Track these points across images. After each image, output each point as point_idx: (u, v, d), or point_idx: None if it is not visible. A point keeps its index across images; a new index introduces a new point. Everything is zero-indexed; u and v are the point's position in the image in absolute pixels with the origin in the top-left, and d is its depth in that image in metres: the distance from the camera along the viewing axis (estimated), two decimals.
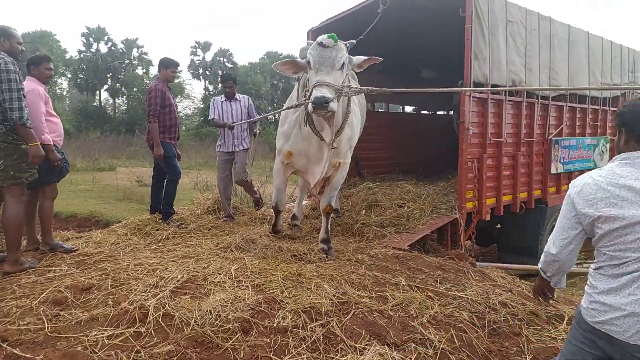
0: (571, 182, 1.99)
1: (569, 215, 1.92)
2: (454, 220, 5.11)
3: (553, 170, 6.26)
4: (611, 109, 7.51)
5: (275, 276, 3.32)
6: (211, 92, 40.72)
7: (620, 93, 7.76)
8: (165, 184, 5.09)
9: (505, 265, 5.31)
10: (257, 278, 3.32)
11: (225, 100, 5.42)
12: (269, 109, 37.68)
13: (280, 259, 3.75)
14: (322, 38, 3.48)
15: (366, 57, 3.70)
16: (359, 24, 5.88)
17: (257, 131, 5.53)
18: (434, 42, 6.66)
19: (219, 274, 3.34)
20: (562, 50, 6.16)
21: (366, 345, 2.66)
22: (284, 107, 4.16)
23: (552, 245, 1.99)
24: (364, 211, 5.21)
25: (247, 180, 5.37)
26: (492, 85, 5.18)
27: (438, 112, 9.79)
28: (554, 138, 6.26)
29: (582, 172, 5.82)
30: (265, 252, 3.94)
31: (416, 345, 2.75)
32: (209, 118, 5.47)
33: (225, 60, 42.24)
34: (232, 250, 3.97)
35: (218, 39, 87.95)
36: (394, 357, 2.59)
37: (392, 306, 3.18)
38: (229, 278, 3.29)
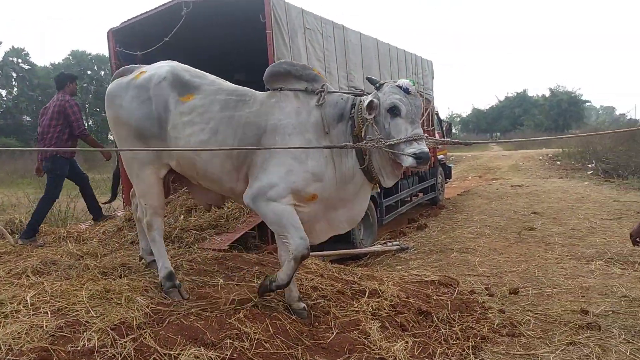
0: None
1: None
2: None
3: None
4: None
5: (79, 297, 3.09)
6: (4, 98, 35.19)
7: None
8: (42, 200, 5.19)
9: (321, 253, 5.76)
10: (59, 302, 3.04)
11: None
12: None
13: (86, 277, 3.50)
14: (407, 84, 3.08)
15: None
16: (164, 25, 5.76)
17: None
18: (243, 46, 6.84)
19: (11, 303, 2.98)
20: (356, 55, 6.90)
21: (181, 350, 2.66)
22: (335, 146, 3.12)
23: None
24: (182, 216, 5.14)
25: None
26: None
27: None
28: None
29: None
30: (68, 273, 3.62)
31: (232, 340, 2.85)
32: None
33: (20, 60, 36.85)
34: (28, 276, 3.56)
35: (9, 37, 76.14)
36: (209, 356, 2.65)
37: (211, 307, 3.23)
38: (23, 306, 2.95)
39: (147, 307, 3.03)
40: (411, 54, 9.22)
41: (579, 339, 3.72)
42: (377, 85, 3.14)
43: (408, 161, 2.99)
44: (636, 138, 15.50)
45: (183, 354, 2.60)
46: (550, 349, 3.58)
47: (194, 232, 4.75)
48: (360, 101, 3.14)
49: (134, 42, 6.27)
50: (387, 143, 3.00)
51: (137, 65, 3.64)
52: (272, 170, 3.11)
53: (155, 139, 3.33)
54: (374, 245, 6.92)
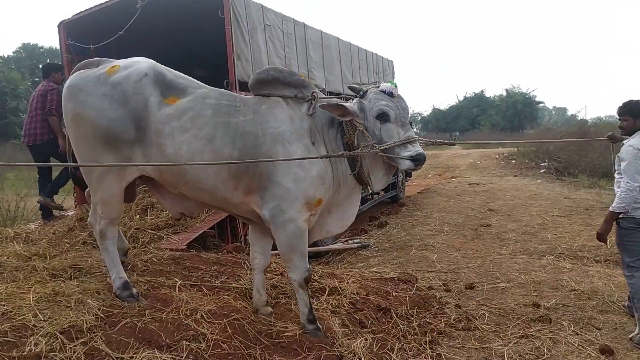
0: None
1: None
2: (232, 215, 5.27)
3: None
4: None
5: (26, 300, 2.94)
6: None
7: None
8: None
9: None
10: (4, 305, 2.88)
11: None
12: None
13: (34, 279, 3.33)
14: (390, 88, 3.07)
15: None
16: (119, 18, 5.58)
17: None
18: (202, 41, 6.72)
19: None
20: (317, 53, 6.90)
21: (134, 353, 2.58)
22: (338, 154, 3.07)
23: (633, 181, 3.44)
24: (137, 216, 4.99)
25: None
26: None
27: None
28: None
29: None
30: (15, 275, 3.44)
31: (189, 342, 2.79)
32: None
33: None
34: None
35: None
36: (164, 359, 2.58)
37: (167, 308, 3.15)
38: None
39: (99, 309, 2.91)
40: (372, 53, 9.32)
41: (531, 332, 3.86)
42: (361, 93, 3.16)
43: (406, 164, 3.06)
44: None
45: (136, 357, 2.52)
46: (504, 342, 3.69)
47: (150, 231, 4.62)
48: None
49: (87, 35, 6.04)
50: (382, 148, 3.03)
51: (104, 58, 3.26)
52: (281, 181, 3.03)
53: (128, 144, 2.96)
54: (335, 243, 6.94)
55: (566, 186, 12.55)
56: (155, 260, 3.98)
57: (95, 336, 2.66)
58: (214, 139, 2.98)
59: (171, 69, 3.19)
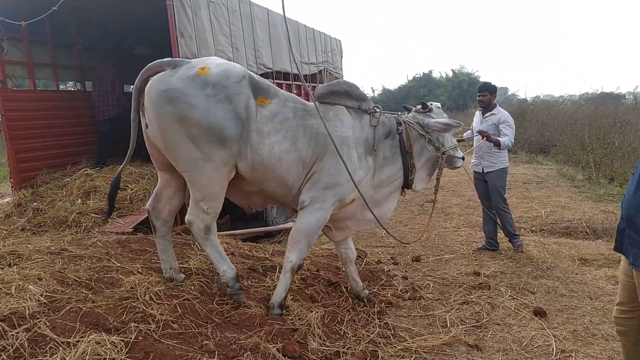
0: None
1: None
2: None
3: None
4: (311, 84, 8.72)
5: None
6: None
7: (317, 70, 9.07)
8: None
9: (232, 232, 5.72)
10: None
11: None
12: None
13: None
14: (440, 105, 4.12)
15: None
16: None
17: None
18: (143, 18, 6.46)
19: None
20: (264, 32, 6.80)
21: (81, 337, 2.53)
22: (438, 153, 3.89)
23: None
24: (80, 200, 4.82)
25: None
26: None
27: None
28: None
29: None
30: None
31: (137, 323, 2.76)
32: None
33: None
34: None
35: None
36: (112, 341, 2.55)
37: (115, 292, 3.10)
38: None
39: (41, 295, 2.82)
40: (320, 33, 9.28)
41: (472, 298, 4.09)
42: (428, 109, 3.96)
43: (460, 162, 4.11)
44: (525, 115, 16.97)
45: (83, 341, 2.47)
46: (447, 309, 3.90)
47: (93, 215, 4.48)
48: (404, 122, 3.79)
49: (17, 10, 5.67)
50: (445, 150, 3.89)
51: (177, 59, 3.28)
52: (336, 176, 3.39)
53: (234, 141, 3.09)
54: (287, 222, 6.99)
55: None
56: (100, 244, 3.88)
57: (39, 322, 2.58)
58: (297, 139, 3.31)
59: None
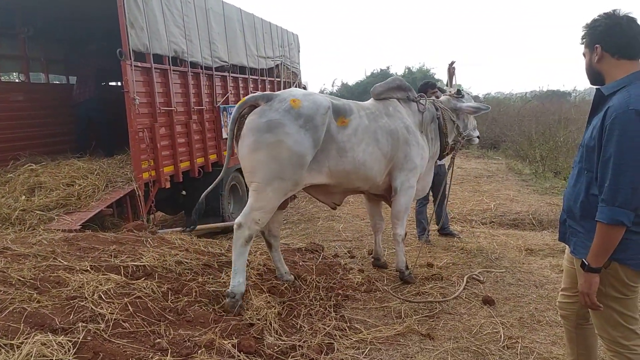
0: None
1: None
2: (132, 192, 5.04)
3: (224, 135, 6.85)
4: (268, 78, 8.64)
5: None
6: None
7: (274, 64, 9.00)
8: None
9: (208, 226, 5.64)
10: None
11: None
12: None
13: None
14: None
15: None
16: None
17: None
18: (93, 11, 6.21)
19: None
20: (219, 24, 6.68)
21: (25, 338, 2.42)
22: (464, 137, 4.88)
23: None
24: (24, 196, 4.59)
25: None
26: (154, 55, 5.24)
27: (111, 83, 9.18)
28: (221, 105, 6.83)
29: None
30: None
31: (86, 323, 2.67)
32: None
33: None
34: None
35: None
36: (59, 342, 2.45)
37: (62, 291, 2.98)
38: None
39: None
40: (277, 27, 9.20)
41: (425, 289, 4.19)
42: (461, 95, 4.72)
43: (477, 141, 5.12)
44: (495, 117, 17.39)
45: (28, 342, 2.36)
46: (401, 300, 3.97)
47: (38, 212, 4.28)
48: (440, 107, 4.58)
49: None
50: (465, 134, 4.77)
51: (269, 93, 3.72)
52: (414, 160, 4.20)
53: (309, 163, 3.57)
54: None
55: (459, 157, 13.51)
56: (45, 242, 3.72)
57: None
58: (378, 140, 3.97)
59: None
